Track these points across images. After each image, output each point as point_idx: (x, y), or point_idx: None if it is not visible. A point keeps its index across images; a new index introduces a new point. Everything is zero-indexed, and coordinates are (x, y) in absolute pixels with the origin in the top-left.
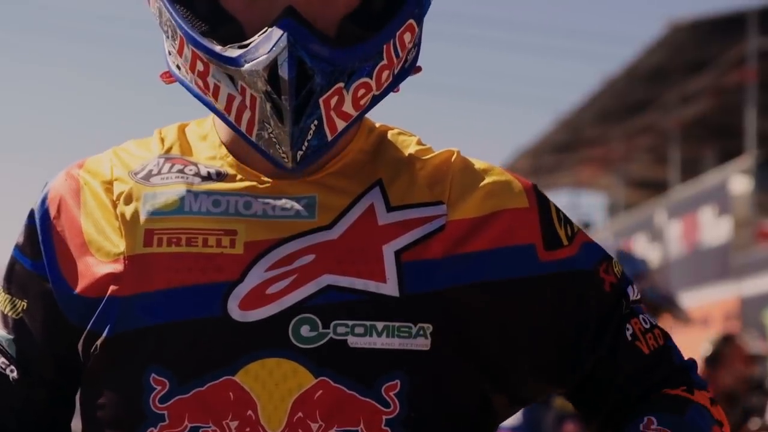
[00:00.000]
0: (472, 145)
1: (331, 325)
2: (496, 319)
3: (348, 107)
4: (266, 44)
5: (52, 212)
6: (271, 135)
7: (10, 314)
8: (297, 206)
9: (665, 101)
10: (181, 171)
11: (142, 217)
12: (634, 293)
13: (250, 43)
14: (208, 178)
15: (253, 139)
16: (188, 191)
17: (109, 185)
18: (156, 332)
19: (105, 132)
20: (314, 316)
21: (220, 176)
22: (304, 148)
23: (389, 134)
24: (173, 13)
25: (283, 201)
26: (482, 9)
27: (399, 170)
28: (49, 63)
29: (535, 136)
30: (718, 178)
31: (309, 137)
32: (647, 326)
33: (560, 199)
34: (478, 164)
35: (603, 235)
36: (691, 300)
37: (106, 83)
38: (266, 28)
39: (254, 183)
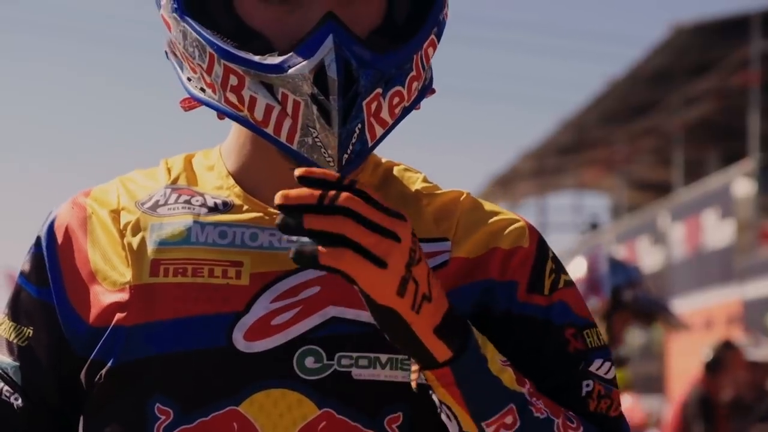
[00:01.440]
0: (474, 146)
1: (336, 356)
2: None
3: (385, 114)
4: (311, 48)
5: (59, 240)
6: (316, 139)
7: (15, 341)
8: (303, 238)
9: (669, 103)
10: (187, 202)
11: (149, 247)
12: (604, 369)
13: (292, 50)
14: (215, 208)
15: (295, 147)
16: (195, 222)
17: (115, 214)
18: (161, 362)
19: (105, 132)
20: (319, 348)
21: (227, 207)
22: (349, 151)
23: (395, 170)
24: (201, 32)
25: None
26: (484, 10)
27: (405, 205)
28: (49, 63)
29: (538, 137)
30: (721, 181)
31: (354, 140)
32: (604, 394)
33: (564, 200)
34: (488, 206)
35: (606, 237)
36: (693, 303)
37: (106, 82)
38: (306, 34)
39: (261, 214)
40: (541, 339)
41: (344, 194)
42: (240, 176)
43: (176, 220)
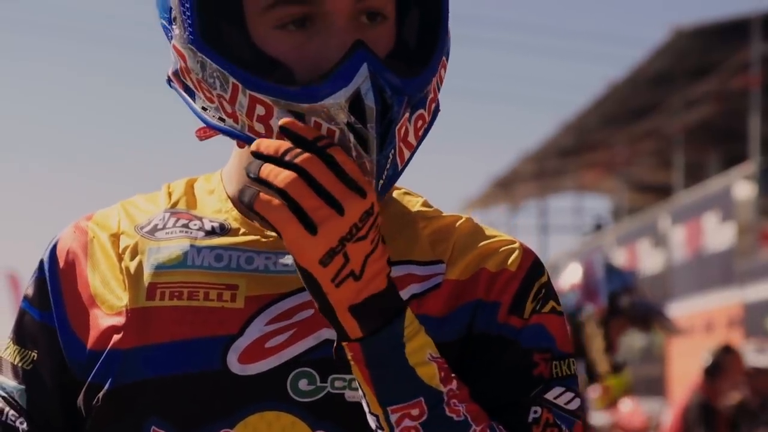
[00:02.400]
0: (475, 147)
1: (329, 379)
2: (468, 374)
3: (411, 138)
4: (345, 76)
5: (61, 264)
6: None
7: (20, 365)
8: None
9: (669, 106)
10: (185, 226)
11: (146, 271)
12: (564, 399)
13: (322, 78)
14: (212, 232)
15: None
16: (191, 246)
17: (115, 238)
18: (157, 385)
19: (106, 132)
20: (312, 370)
21: (224, 230)
22: (384, 177)
23: (395, 193)
24: (224, 63)
25: (285, 256)
26: (485, 10)
27: (402, 227)
28: (49, 63)
29: (539, 139)
30: (721, 183)
31: (388, 166)
32: (552, 423)
33: (564, 202)
34: (487, 231)
35: (607, 239)
36: (694, 306)
37: (106, 82)
38: (337, 63)
39: (257, 237)
40: (501, 357)
41: (306, 155)
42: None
43: (173, 244)
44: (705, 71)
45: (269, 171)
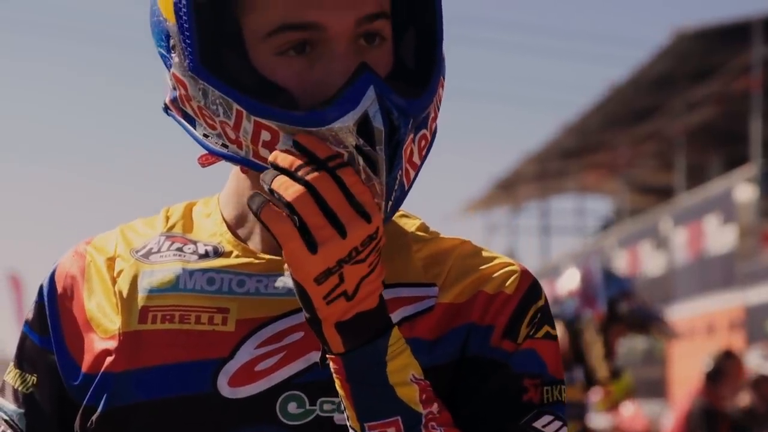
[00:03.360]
0: (476, 148)
1: (318, 402)
2: (458, 397)
3: (416, 158)
4: (352, 99)
5: (59, 289)
6: None
7: (20, 389)
8: (289, 284)
9: (671, 108)
10: (179, 249)
11: (139, 294)
12: (552, 428)
13: (330, 102)
14: (205, 255)
15: None
16: (184, 269)
17: (111, 262)
18: (148, 407)
19: (106, 131)
20: (301, 393)
21: (217, 253)
22: (392, 199)
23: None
24: (228, 90)
25: (276, 279)
26: (487, 11)
27: (395, 250)
28: (49, 63)
29: (541, 141)
30: (723, 186)
31: (396, 187)
32: None
33: (566, 204)
34: (486, 253)
35: (608, 241)
36: (695, 308)
37: (106, 82)
38: (343, 86)
39: (250, 260)
40: (491, 381)
41: (318, 173)
42: (235, 224)
43: (166, 267)
44: (706, 73)
45: (281, 183)
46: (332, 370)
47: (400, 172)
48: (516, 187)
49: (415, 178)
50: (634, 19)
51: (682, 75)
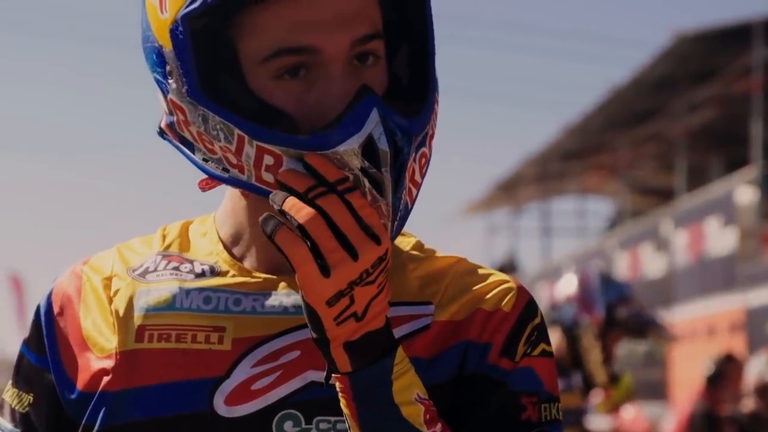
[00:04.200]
0: (479, 149)
1: (314, 421)
2: (457, 415)
3: (417, 176)
4: (356, 122)
5: (56, 309)
6: None
7: (17, 408)
8: (285, 303)
9: (672, 110)
10: (176, 268)
11: (135, 313)
12: None
13: (333, 125)
14: (202, 274)
15: None
16: (180, 288)
17: (108, 281)
18: (145, 426)
19: (107, 131)
20: (297, 412)
21: (214, 272)
22: (397, 218)
23: None
24: (228, 115)
25: (272, 298)
26: (489, 12)
27: (391, 269)
28: (49, 63)
29: (542, 143)
30: (723, 188)
31: (400, 207)
32: None
33: (567, 205)
34: (482, 270)
35: (609, 243)
36: (696, 310)
37: (106, 82)
38: (346, 109)
39: (246, 279)
40: (489, 399)
41: (329, 196)
42: (231, 243)
43: (163, 287)
44: (707, 75)
45: (292, 205)
46: (338, 389)
47: (404, 191)
48: (517, 188)
49: (416, 197)
50: (635, 20)
51: (683, 77)
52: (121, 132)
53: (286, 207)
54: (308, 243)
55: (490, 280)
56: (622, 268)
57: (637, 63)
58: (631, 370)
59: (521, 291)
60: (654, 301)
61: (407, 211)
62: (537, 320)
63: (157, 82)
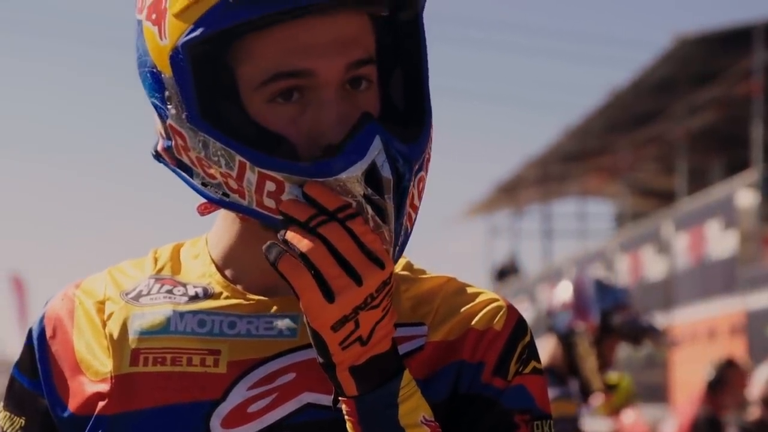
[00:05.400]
0: (480, 151)
1: None
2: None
3: (416, 200)
4: (359, 150)
5: (48, 332)
6: None
7: (8, 430)
8: (280, 325)
9: (672, 112)
10: (169, 291)
11: (130, 337)
12: None
13: (336, 152)
14: (196, 297)
15: None
16: (174, 311)
17: (101, 305)
18: None
19: (107, 131)
20: None
21: (207, 295)
22: (399, 244)
23: None
24: (230, 142)
25: (267, 320)
26: (490, 13)
27: None
28: (49, 63)
29: (543, 145)
30: (724, 191)
31: (401, 232)
32: None
33: (568, 207)
34: (471, 289)
35: (610, 245)
36: (697, 313)
37: (106, 82)
38: (348, 136)
39: (240, 301)
40: (483, 417)
41: (330, 224)
42: (224, 264)
43: (157, 310)
44: (708, 78)
45: (293, 235)
46: (344, 412)
47: (405, 217)
48: (518, 190)
49: (415, 221)
50: (637, 23)
51: (684, 79)
52: (121, 132)
53: (288, 237)
54: (311, 270)
55: (480, 299)
56: (622, 270)
57: (639, 65)
58: (631, 373)
59: (511, 310)
60: (654, 303)
61: (407, 237)
62: (527, 338)
63: (156, 106)
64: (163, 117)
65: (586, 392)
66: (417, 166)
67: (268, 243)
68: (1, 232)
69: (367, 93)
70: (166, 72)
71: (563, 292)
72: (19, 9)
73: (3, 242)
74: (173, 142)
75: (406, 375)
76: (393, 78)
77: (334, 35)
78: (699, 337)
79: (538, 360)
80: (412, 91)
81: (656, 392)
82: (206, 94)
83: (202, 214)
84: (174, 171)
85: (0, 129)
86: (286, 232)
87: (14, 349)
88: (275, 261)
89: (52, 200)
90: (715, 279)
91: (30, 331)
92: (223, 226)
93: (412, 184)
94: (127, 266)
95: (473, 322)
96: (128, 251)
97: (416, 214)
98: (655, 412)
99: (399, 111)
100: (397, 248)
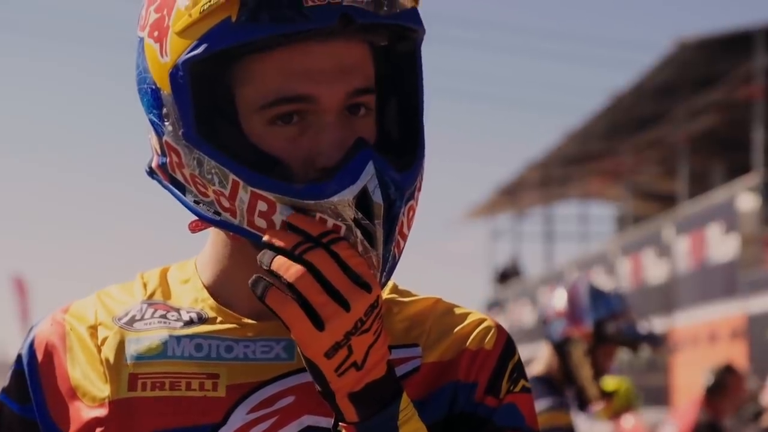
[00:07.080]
0: (481, 154)
1: None
2: None
3: (405, 228)
4: (351, 175)
5: (39, 357)
6: None
7: None
8: (276, 348)
9: (674, 116)
10: (163, 316)
11: (127, 362)
12: None
13: (329, 176)
14: (190, 322)
15: None
16: (170, 336)
17: (93, 330)
18: None
19: (108, 131)
20: None
21: (202, 319)
22: (386, 269)
23: None
24: (225, 161)
25: (263, 343)
26: (490, 14)
27: None
28: (49, 63)
29: (545, 148)
30: (725, 195)
31: (389, 258)
32: None
33: (569, 210)
34: (459, 310)
35: (612, 248)
36: (698, 317)
37: (105, 82)
38: (342, 161)
39: (235, 325)
40: None
41: (315, 251)
42: (215, 289)
43: (152, 335)
44: (709, 82)
45: (280, 264)
46: None
47: (393, 243)
48: (519, 193)
49: (403, 248)
50: (639, 26)
51: (685, 83)
52: (126, 133)
53: (274, 267)
54: (299, 300)
55: (470, 319)
56: (623, 273)
57: (641, 69)
58: (632, 377)
59: (500, 330)
60: (655, 307)
61: (395, 263)
62: (516, 358)
63: (153, 123)
64: (159, 133)
65: (582, 400)
66: (408, 195)
67: (254, 277)
68: (3, 232)
69: (365, 120)
70: (166, 89)
71: (557, 299)
72: (19, 9)
73: (5, 243)
74: (168, 159)
75: (404, 398)
76: (389, 107)
77: (336, 62)
78: (700, 341)
79: (526, 378)
80: (407, 122)
81: (657, 395)
82: (204, 112)
83: (193, 231)
84: (167, 188)
85: (4, 129)
86: (271, 263)
87: (16, 350)
88: (262, 295)
89: (54, 201)
90: (716, 282)
91: (19, 357)
92: (212, 250)
93: (402, 211)
94: (115, 291)
95: (466, 343)
96: (129, 251)
97: (405, 242)
98: (656, 416)
99: (393, 139)
100: (384, 274)
